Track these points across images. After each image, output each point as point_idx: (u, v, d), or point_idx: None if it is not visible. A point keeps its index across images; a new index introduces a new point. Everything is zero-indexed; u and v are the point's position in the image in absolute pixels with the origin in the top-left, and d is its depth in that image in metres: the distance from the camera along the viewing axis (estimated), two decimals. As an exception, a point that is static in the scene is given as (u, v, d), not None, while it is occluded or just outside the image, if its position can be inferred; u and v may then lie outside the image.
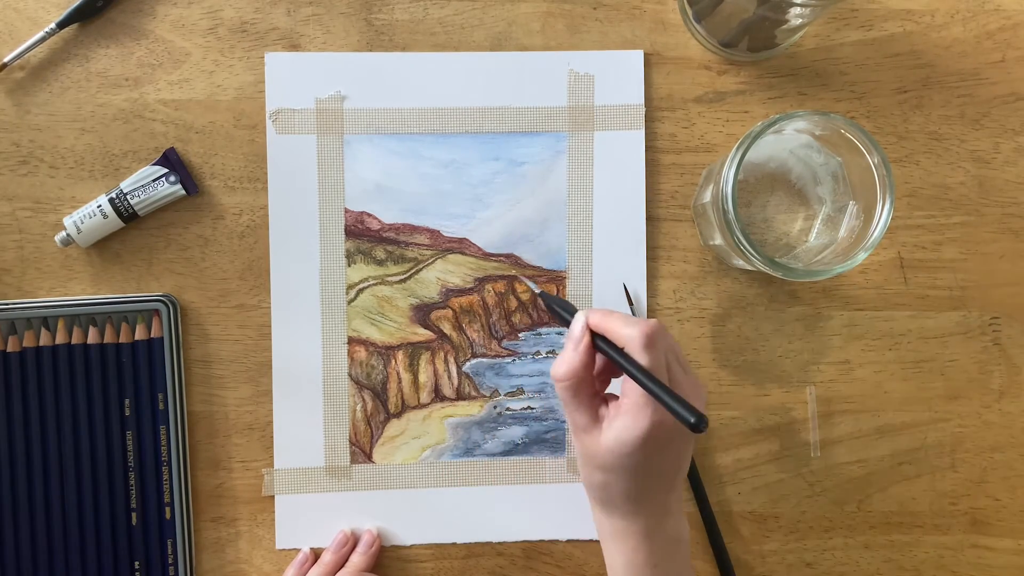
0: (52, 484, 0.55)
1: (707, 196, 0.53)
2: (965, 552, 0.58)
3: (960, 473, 0.58)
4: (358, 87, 0.57)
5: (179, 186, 0.55)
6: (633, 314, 0.57)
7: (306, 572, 0.55)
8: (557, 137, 0.57)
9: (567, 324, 0.48)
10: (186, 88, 0.56)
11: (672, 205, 0.58)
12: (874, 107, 0.58)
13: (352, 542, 0.56)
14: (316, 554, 0.56)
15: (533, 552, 0.57)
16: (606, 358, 0.45)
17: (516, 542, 0.57)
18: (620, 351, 0.44)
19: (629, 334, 0.43)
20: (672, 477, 0.46)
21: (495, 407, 0.57)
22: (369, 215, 0.57)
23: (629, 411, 0.43)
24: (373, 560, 0.55)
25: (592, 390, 0.46)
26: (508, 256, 0.57)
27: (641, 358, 0.43)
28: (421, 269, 0.57)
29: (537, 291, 0.54)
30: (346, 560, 0.55)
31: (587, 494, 0.49)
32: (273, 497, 0.56)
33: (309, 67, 0.57)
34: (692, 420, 0.38)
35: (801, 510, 0.58)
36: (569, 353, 0.45)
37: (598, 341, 0.45)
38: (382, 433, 0.57)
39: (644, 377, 0.42)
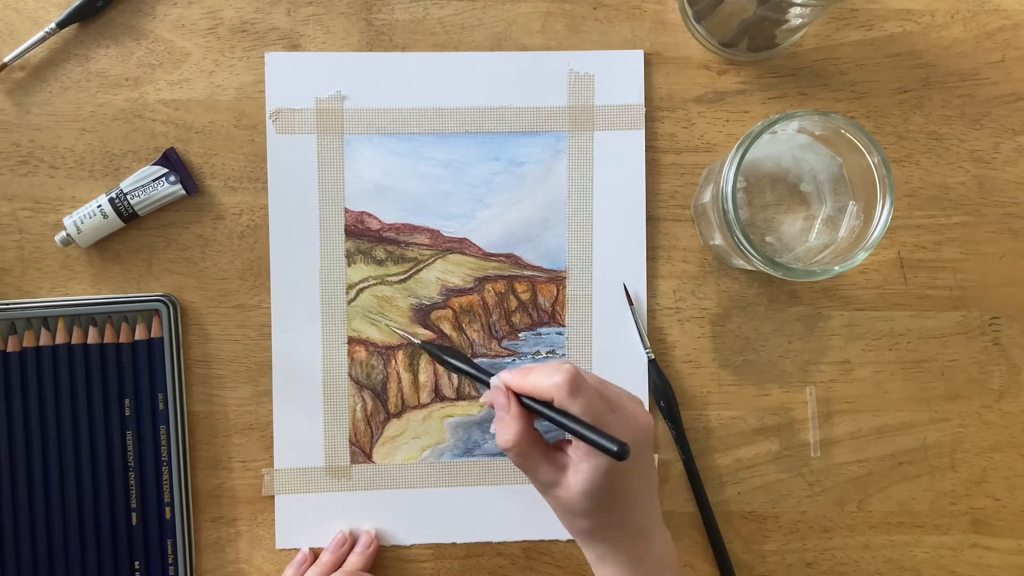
0: (52, 484, 0.55)
1: (707, 196, 0.53)
2: (965, 552, 0.58)
3: (960, 473, 0.58)
4: (358, 87, 0.57)
5: (179, 186, 0.55)
6: (633, 315, 0.57)
7: (305, 572, 0.55)
8: (557, 137, 0.57)
9: (480, 382, 0.49)
10: (186, 88, 0.56)
11: (672, 205, 0.58)
12: (874, 107, 0.58)
13: (350, 542, 0.56)
14: (316, 554, 0.56)
15: (533, 552, 0.57)
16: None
17: (516, 542, 0.57)
18: (547, 404, 0.44)
19: (553, 384, 0.43)
20: (647, 496, 0.47)
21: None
22: (369, 215, 0.57)
23: (589, 452, 0.44)
24: (371, 561, 0.55)
25: (542, 447, 0.46)
26: (508, 256, 0.57)
27: (572, 405, 0.43)
28: (421, 269, 0.57)
29: (446, 358, 0.52)
30: (344, 560, 0.55)
31: (571, 534, 0.48)
32: (273, 497, 0.56)
33: (309, 67, 0.57)
34: (615, 449, 0.40)
35: (801, 510, 0.58)
36: (506, 421, 0.45)
37: (524, 400, 0.45)
38: (382, 433, 0.57)
39: (569, 422, 0.43)
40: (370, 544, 0.55)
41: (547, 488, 0.46)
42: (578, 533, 0.47)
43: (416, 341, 0.55)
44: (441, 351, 0.52)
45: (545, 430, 0.49)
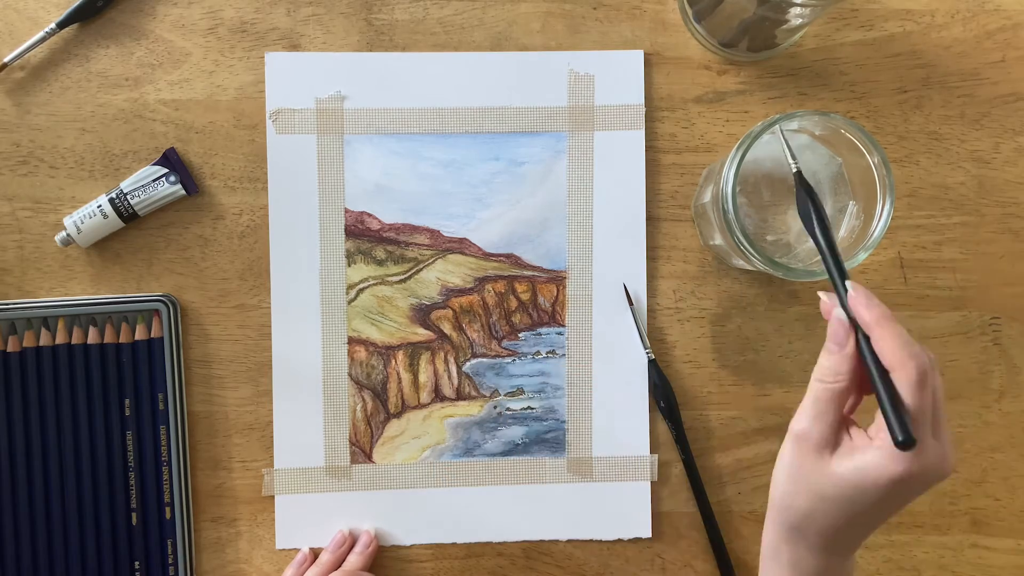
0: (52, 484, 0.55)
1: (707, 196, 0.53)
2: (965, 552, 0.58)
3: (960, 473, 0.58)
4: (358, 87, 0.57)
5: (179, 186, 0.55)
6: (633, 315, 0.57)
7: (304, 572, 0.55)
8: (557, 137, 0.57)
9: (836, 288, 0.42)
10: (186, 88, 0.56)
11: (672, 205, 0.58)
12: (874, 107, 0.58)
13: (350, 542, 0.56)
14: (316, 554, 0.56)
15: (533, 552, 0.57)
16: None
17: (516, 542, 0.57)
18: (883, 371, 0.39)
19: (902, 361, 0.38)
20: (880, 524, 0.42)
21: (495, 407, 0.57)
22: (369, 215, 0.57)
23: (885, 448, 0.38)
24: (370, 560, 0.55)
25: (844, 401, 0.41)
26: (508, 256, 0.57)
27: (909, 396, 0.38)
28: (421, 269, 0.57)
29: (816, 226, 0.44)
30: (344, 560, 0.55)
31: (771, 510, 0.43)
32: (273, 497, 0.56)
33: (309, 67, 0.57)
34: (900, 438, 0.37)
35: (801, 510, 0.58)
36: (835, 355, 0.40)
37: (864, 347, 0.40)
38: (382, 433, 0.57)
39: (885, 390, 0.38)
40: (369, 544, 0.55)
41: (805, 444, 0.40)
42: (788, 511, 0.42)
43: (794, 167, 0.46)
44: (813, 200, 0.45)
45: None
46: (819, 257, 0.53)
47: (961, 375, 0.58)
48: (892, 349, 0.39)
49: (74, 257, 0.56)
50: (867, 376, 0.40)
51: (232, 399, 0.56)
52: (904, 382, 0.38)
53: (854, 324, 0.41)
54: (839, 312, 0.41)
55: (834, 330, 0.41)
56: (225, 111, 0.56)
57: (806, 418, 0.41)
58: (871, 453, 0.39)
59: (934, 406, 0.40)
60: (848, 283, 0.41)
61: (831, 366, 0.40)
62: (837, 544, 0.41)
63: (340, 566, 0.55)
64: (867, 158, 0.49)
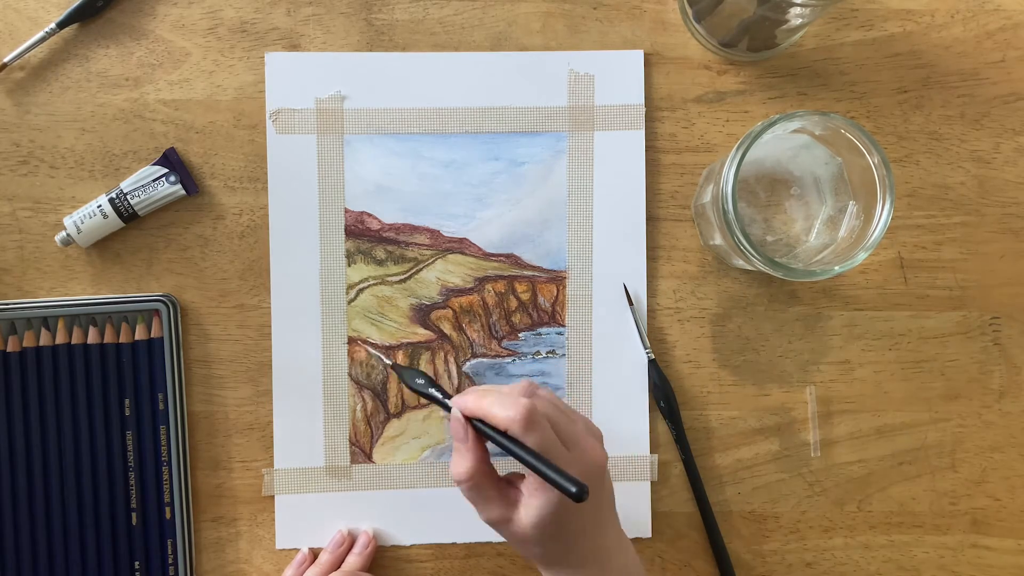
0: (52, 484, 0.55)
1: (707, 196, 0.53)
2: (965, 552, 0.58)
3: (960, 473, 0.58)
4: (358, 87, 0.57)
5: (179, 186, 0.55)
6: (633, 315, 0.57)
7: (304, 572, 0.55)
8: (557, 137, 0.57)
9: (440, 404, 0.49)
10: (186, 88, 0.56)
11: (672, 205, 0.58)
12: (874, 107, 0.58)
13: (349, 542, 0.56)
14: (315, 554, 0.56)
15: (533, 552, 0.57)
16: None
17: (516, 542, 0.57)
18: (503, 434, 0.43)
19: (507, 417, 0.43)
20: (599, 525, 0.46)
21: (495, 407, 0.57)
22: (369, 215, 0.57)
23: (540, 487, 0.43)
24: (369, 560, 0.55)
25: (494, 479, 0.46)
26: (508, 256, 0.57)
27: (527, 440, 0.42)
28: (421, 269, 0.57)
29: (410, 383, 0.51)
30: (343, 560, 0.55)
31: (524, 557, 0.48)
32: (273, 497, 0.56)
33: (309, 67, 0.57)
34: (573, 491, 0.40)
35: (801, 510, 0.58)
36: (462, 453, 0.45)
37: (480, 427, 0.45)
38: (382, 433, 0.57)
39: (527, 456, 0.42)
40: (368, 544, 0.55)
41: (497, 524, 0.46)
42: (531, 558, 0.47)
43: (387, 361, 0.56)
44: (406, 373, 0.52)
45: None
46: (819, 256, 0.53)
47: (961, 375, 0.58)
48: (491, 417, 0.43)
49: (74, 257, 0.56)
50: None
51: (232, 399, 0.56)
52: (518, 434, 0.42)
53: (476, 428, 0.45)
54: (454, 412, 0.46)
55: (452, 427, 0.46)
56: (225, 111, 0.56)
57: (478, 510, 0.46)
58: (534, 498, 0.44)
59: (554, 425, 0.44)
60: (449, 401, 0.47)
61: (459, 471, 0.45)
62: (586, 555, 0.46)
63: (340, 566, 0.55)
64: (867, 158, 0.49)
